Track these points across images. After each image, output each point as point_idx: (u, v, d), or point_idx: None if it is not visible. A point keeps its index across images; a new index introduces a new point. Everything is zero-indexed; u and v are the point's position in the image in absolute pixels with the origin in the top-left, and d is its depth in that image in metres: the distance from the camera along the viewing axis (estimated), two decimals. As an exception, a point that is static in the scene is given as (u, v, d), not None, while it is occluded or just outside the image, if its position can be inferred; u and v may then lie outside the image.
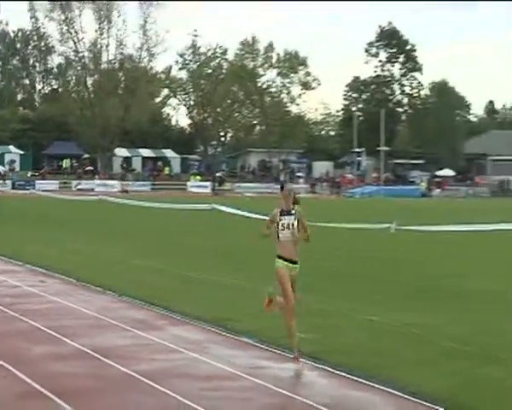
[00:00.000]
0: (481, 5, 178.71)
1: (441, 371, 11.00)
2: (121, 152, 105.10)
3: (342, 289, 18.59)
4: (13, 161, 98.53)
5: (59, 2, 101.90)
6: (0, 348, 12.05)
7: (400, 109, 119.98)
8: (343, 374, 10.78)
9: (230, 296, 17.11)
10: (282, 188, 11.98)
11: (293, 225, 11.37)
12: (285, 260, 11.33)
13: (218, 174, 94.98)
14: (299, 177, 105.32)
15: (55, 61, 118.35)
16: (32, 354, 11.84)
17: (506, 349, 12.06)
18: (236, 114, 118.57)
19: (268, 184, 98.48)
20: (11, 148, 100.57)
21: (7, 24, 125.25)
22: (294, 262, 11.38)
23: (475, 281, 20.13)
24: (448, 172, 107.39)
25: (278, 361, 11.60)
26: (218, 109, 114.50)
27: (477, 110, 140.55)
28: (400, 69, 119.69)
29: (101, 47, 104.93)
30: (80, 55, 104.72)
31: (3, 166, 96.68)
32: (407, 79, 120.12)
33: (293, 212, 11.50)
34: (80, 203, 58.11)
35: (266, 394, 9.91)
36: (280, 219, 11.41)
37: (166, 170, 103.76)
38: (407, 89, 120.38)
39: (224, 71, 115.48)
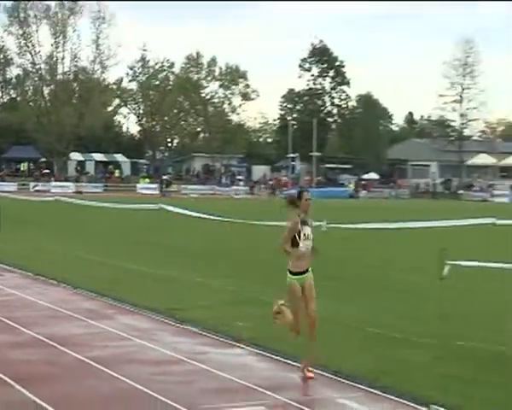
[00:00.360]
0: (400, 25, 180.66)
1: (365, 354, 11.10)
2: (76, 156, 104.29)
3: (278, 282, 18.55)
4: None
5: (17, 19, 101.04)
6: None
7: (330, 119, 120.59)
8: (279, 358, 10.82)
9: (177, 289, 17.07)
10: (299, 195, 10.25)
11: (310, 235, 10.01)
12: (299, 273, 9.91)
13: (165, 177, 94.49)
14: (240, 180, 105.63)
15: (13, 72, 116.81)
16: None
17: (423, 334, 12.18)
18: (182, 122, 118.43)
19: (211, 186, 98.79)
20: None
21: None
22: (306, 271, 10.04)
23: (398, 273, 20.32)
24: (373, 175, 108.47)
25: (219, 347, 11.61)
26: (166, 118, 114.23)
27: (398, 120, 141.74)
28: (330, 83, 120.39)
29: (57, 60, 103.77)
30: (37, 66, 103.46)
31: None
32: (336, 92, 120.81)
33: (309, 222, 10.15)
34: (38, 204, 57.57)
35: (209, 377, 9.91)
36: (301, 229, 9.96)
37: (117, 173, 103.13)
38: (336, 101, 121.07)
39: (170, 83, 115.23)
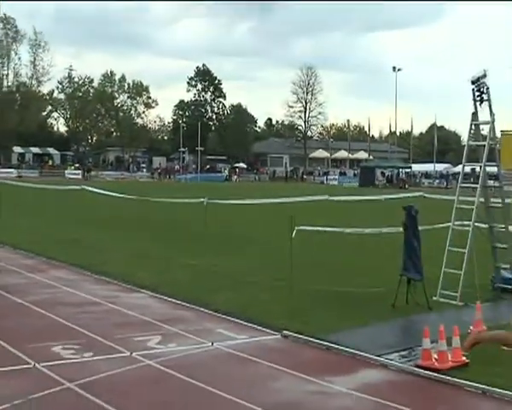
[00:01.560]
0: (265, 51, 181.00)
1: (235, 294, 11.17)
2: (17, 149, 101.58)
3: (167, 241, 18.49)
4: None
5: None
6: None
7: (211, 123, 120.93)
8: (171, 300, 10.80)
9: (96, 250, 16.73)
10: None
11: None
12: None
13: (87, 165, 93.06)
14: (143, 167, 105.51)
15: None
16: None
17: (278, 279, 12.31)
18: (100, 124, 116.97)
19: (121, 172, 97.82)
20: None
21: None
22: None
23: (260, 236, 20.51)
24: (242, 164, 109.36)
25: (127, 293, 11.50)
26: (87, 121, 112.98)
27: (261, 123, 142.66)
28: (211, 96, 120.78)
29: (2, 76, 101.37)
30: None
31: None
32: (215, 103, 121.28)
33: None
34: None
35: (119, 314, 9.81)
36: None
37: (50, 162, 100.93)
38: (215, 109, 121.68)
39: (91, 94, 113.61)
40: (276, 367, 7.39)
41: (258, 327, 9.08)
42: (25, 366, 7.15)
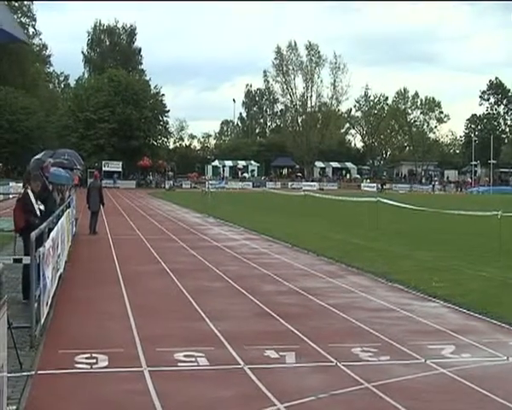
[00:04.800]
0: None
1: None
2: (319, 164, 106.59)
3: (458, 254, 17.83)
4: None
5: (281, 71, 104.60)
6: (244, 285, 12.37)
7: (504, 136, 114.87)
8: (465, 311, 10.37)
9: (388, 257, 16.75)
10: None
11: None
12: None
13: (381, 178, 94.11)
14: (435, 180, 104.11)
15: (278, 107, 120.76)
16: (264, 290, 12.09)
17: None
18: (393, 139, 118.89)
19: (413, 185, 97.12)
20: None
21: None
22: None
23: None
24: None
25: (420, 301, 11.30)
26: (382, 136, 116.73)
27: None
28: (504, 109, 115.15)
29: (306, 97, 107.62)
30: (294, 103, 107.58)
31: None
32: (508, 116, 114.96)
33: None
34: (291, 197, 58.49)
35: (413, 322, 9.67)
36: None
37: (348, 176, 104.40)
38: (509, 122, 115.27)
39: (385, 111, 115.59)
40: None
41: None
42: (327, 364, 7.39)
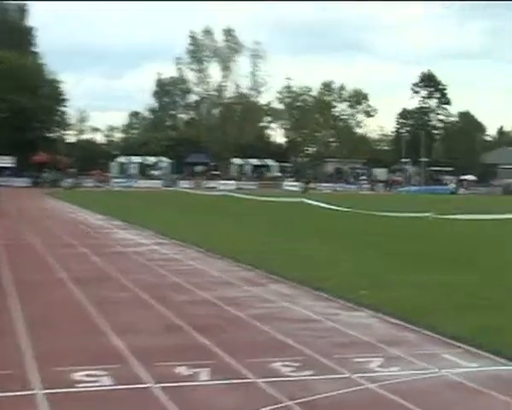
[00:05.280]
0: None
1: (461, 315, 10.76)
2: (237, 161, 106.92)
3: (386, 256, 18.28)
4: None
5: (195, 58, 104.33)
6: (154, 295, 12.26)
7: (435, 132, 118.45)
8: (394, 321, 10.64)
9: (313, 263, 16.99)
10: None
11: None
12: None
13: (305, 177, 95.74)
14: (363, 179, 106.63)
15: (192, 98, 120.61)
16: (175, 300, 12.02)
17: None
18: (318, 134, 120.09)
19: (340, 184, 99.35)
20: None
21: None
22: None
23: (497, 252, 19.62)
24: (470, 176, 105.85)
25: (347, 311, 11.52)
26: (305, 131, 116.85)
27: (490, 131, 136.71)
28: (436, 103, 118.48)
29: (222, 88, 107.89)
30: (209, 93, 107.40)
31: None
32: (440, 110, 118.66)
33: None
34: (208, 196, 58.60)
35: (339, 333, 9.84)
36: None
37: (268, 174, 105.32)
38: (441, 117, 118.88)
39: (309, 104, 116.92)
40: (512, 402, 6.99)
41: (491, 356, 8.65)
42: (245, 381, 7.42)
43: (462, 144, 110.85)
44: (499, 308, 11.47)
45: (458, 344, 9.17)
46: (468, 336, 9.43)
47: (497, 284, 14.01)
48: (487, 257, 18.80)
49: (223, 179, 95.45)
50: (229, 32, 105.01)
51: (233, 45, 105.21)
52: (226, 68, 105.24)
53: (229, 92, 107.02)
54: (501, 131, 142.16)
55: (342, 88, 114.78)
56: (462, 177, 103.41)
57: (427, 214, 23.58)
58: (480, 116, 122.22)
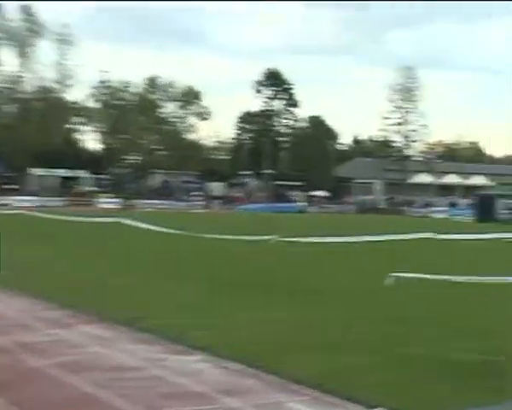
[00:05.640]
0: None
1: (309, 356, 11.08)
2: (38, 171, 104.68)
3: (220, 289, 18.54)
4: None
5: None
6: None
7: (281, 139, 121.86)
8: (232, 365, 10.77)
9: (131, 297, 16.93)
10: None
11: None
12: None
13: (125, 192, 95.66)
14: (195, 195, 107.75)
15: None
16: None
17: (370, 340, 12.19)
18: (141, 141, 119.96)
19: (168, 201, 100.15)
20: None
21: None
22: None
23: (345, 283, 20.33)
24: (322, 193, 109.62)
25: (176, 355, 11.56)
26: (126, 136, 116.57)
27: (344, 139, 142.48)
28: (285, 105, 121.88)
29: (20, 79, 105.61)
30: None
31: None
32: (287, 113, 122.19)
33: None
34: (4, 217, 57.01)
35: (166, 383, 9.86)
36: None
37: (79, 188, 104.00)
38: (287, 122, 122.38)
39: (130, 102, 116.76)
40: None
41: (343, 401, 8.97)
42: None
43: (312, 154, 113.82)
44: (354, 345, 11.95)
45: (307, 389, 9.45)
46: (317, 379, 9.75)
47: (348, 319, 14.62)
48: (336, 286, 19.53)
49: (20, 195, 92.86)
50: (26, 10, 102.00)
51: (32, 26, 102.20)
52: (23, 55, 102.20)
53: (28, 85, 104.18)
54: (356, 140, 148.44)
55: (171, 85, 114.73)
56: (313, 193, 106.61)
57: (268, 237, 24.13)
58: (332, 122, 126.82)
